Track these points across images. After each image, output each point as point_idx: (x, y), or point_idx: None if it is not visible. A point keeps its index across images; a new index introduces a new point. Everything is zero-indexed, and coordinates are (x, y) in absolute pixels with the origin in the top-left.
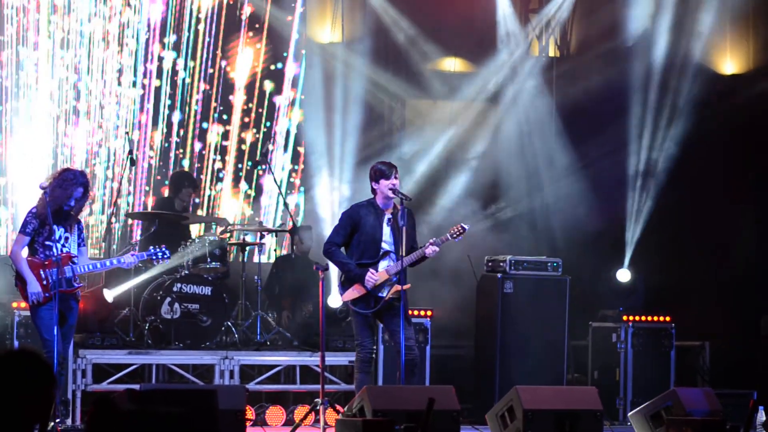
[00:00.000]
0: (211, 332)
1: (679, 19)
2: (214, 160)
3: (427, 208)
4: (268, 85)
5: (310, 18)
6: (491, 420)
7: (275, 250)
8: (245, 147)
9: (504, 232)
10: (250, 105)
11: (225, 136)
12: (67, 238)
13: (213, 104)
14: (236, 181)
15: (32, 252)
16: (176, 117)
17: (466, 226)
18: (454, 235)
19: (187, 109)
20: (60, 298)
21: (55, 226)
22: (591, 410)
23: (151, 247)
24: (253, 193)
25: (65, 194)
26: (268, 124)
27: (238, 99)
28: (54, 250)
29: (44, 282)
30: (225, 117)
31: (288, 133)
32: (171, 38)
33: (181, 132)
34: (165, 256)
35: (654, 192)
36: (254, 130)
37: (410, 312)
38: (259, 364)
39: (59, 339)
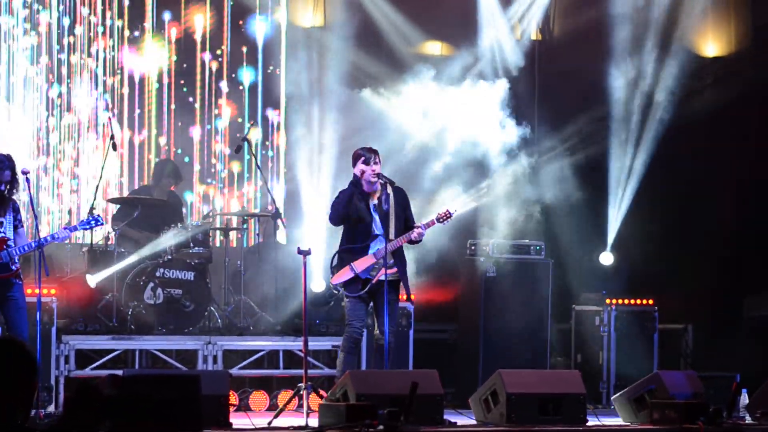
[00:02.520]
0: (194, 317)
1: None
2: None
3: (410, 191)
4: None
5: (292, 2)
6: (474, 404)
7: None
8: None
9: (487, 215)
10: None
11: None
12: (1, 223)
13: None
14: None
15: None
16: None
17: (452, 211)
18: (441, 219)
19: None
20: (0, 283)
21: None
22: (574, 394)
23: (84, 219)
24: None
25: (3, 176)
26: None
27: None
28: None
29: None
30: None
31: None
32: None
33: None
34: (98, 224)
35: (637, 174)
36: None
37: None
38: (242, 349)
39: (14, 323)
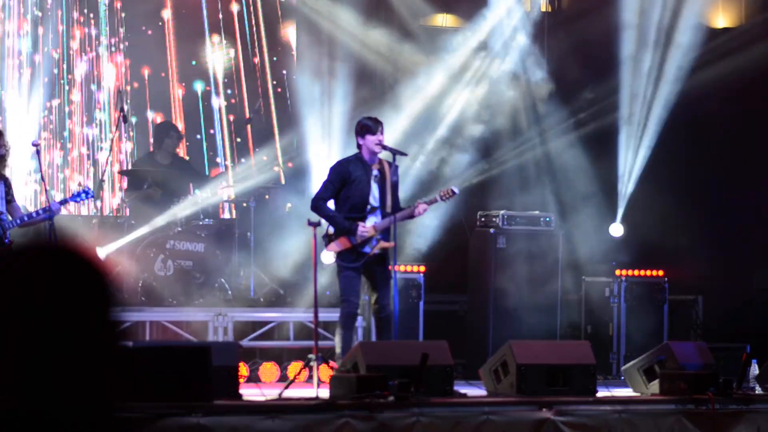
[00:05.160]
0: (204, 289)
1: None
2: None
3: (418, 163)
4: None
5: None
6: (485, 375)
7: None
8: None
9: (496, 187)
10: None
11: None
12: None
13: None
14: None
15: None
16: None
17: (456, 190)
18: (444, 198)
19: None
20: None
21: None
22: (584, 365)
23: (74, 191)
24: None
25: None
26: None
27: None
28: None
29: None
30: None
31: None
32: None
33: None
34: (88, 196)
35: (647, 145)
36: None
37: (396, 268)
38: (253, 320)
39: None
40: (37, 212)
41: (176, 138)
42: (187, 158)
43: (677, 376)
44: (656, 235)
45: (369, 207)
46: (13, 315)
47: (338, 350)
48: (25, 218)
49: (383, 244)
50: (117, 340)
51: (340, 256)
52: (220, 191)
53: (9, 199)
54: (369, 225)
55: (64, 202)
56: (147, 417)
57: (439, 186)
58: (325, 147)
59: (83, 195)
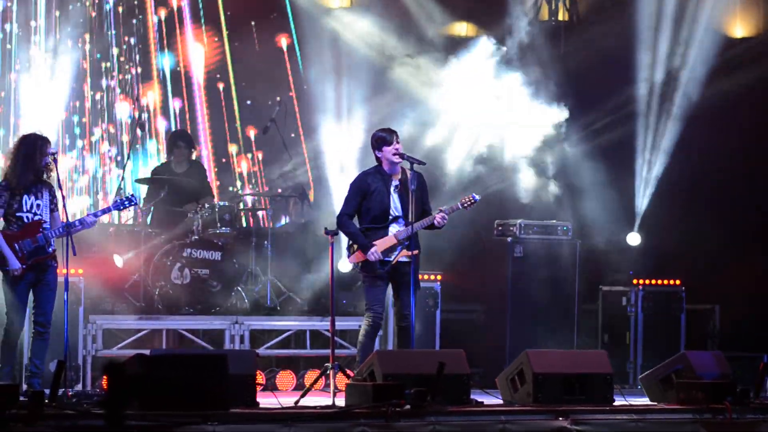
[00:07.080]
0: (221, 297)
1: None
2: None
3: (437, 173)
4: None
5: None
6: (502, 384)
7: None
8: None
9: (513, 196)
10: None
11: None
12: (38, 205)
13: None
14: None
15: (6, 224)
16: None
17: (477, 197)
18: (465, 205)
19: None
20: (36, 266)
21: (25, 196)
22: (601, 374)
23: (117, 198)
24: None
25: (40, 158)
26: None
27: None
28: (25, 219)
29: (19, 254)
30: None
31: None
32: None
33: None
34: (132, 203)
35: (664, 154)
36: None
37: (420, 276)
38: (269, 328)
39: (42, 304)
40: (76, 222)
41: (184, 147)
42: (203, 165)
43: (694, 386)
44: (673, 244)
45: (391, 217)
46: None
47: (359, 359)
48: (74, 224)
49: (405, 252)
50: None
51: (364, 266)
52: (232, 201)
53: (52, 208)
54: (390, 234)
55: (107, 210)
56: (163, 425)
57: (457, 192)
58: (341, 156)
59: (126, 203)
